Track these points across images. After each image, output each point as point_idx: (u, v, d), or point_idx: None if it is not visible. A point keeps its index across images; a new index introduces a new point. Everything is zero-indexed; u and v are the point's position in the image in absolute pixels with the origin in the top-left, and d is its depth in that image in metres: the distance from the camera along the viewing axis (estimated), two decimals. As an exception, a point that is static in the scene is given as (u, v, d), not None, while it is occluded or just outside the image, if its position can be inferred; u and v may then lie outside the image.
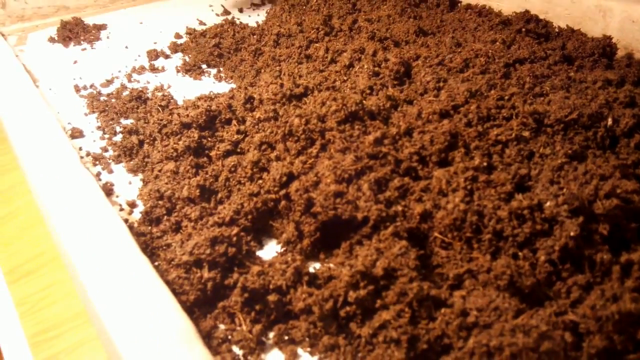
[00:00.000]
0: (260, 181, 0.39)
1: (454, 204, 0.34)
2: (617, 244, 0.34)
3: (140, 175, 0.45)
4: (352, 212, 0.35)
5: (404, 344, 0.29)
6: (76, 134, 0.51)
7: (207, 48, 0.64)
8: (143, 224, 0.39)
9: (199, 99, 0.49)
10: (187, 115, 0.46)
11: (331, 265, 0.35)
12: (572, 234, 0.32)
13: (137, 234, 0.38)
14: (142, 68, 0.63)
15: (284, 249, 0.37)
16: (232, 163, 0.41)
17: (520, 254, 0.33)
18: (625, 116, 0.42)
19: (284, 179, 0.38)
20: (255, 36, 0.62)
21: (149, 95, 0.56)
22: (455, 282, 0.33)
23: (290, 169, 0.38)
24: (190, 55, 0.64)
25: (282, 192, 0.38)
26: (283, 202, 0.38)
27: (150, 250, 0.37)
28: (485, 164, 0.36)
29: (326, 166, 0.37)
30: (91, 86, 0.60)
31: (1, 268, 0.47)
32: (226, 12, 0.79)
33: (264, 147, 0.42)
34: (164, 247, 0.37)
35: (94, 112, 0.55)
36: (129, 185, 0.45)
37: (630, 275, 0.32)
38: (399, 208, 0.35)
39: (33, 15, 0.78)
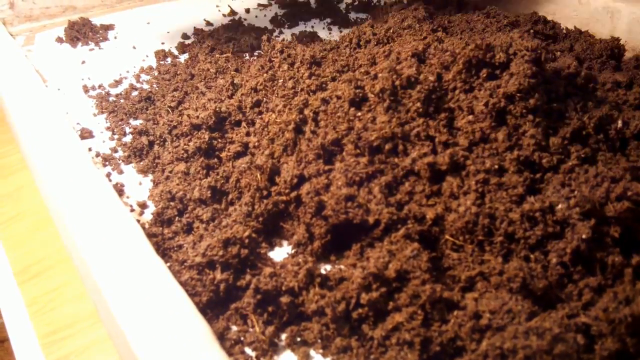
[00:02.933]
0: (270, 184, 0.39)
1: (465, 207, 0.34)
2: (629, 247, 0.34)
3: (151, 176, 0.45)
4: (363, 216, 0.35)
5: (417, 346, 0.29)
6: (86, 134, 0.51)
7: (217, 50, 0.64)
8: (154, 225, 0.39)
9: (209, 100, 0.49)
10: (197, 117, 0.46)
11: (342, 266, 0.35)
12: (583, 236, 0.32)
13: (148, 235, 0.38)
14: (150, 68, 0.63)
15: (295, 250, 0.37)
16: (243, 164, 0.41)
17: (532, 256, 0.33)
18: (635, 118, 0.42)
19: (295, 180, 0.38)
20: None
21: (158, 96, 0.56)
22: (467, 284, 0.33)
23: (301, 170, 0.38)
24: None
25: (293, 194, 0.38)
26: (294, 204, 0.38)
27: (162, 251, 0.37)
28: (496, 166, 0.36)
29: (337, 169, 0.37)
30: (100, 86, 0.60)
31: (11, 269, 0.47)
32: (233, 12, 0.79)
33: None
34: (176, 249, 0.37)
35: (102, 112, 0.55)
36: (139, 186, 0.45)
37: (642, 277, 0.32)
38: (410, 211, 0.35)
39: (41, 15, 0.78)
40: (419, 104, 0.39)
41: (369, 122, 0.39)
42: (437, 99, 0.40)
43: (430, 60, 0.43)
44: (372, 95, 0.40)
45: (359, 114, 0.40)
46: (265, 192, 0.38)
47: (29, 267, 0.48)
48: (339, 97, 0.42)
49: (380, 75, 0.41)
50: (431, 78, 0.40)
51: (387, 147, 0.38)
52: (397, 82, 0.40)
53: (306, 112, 0.42)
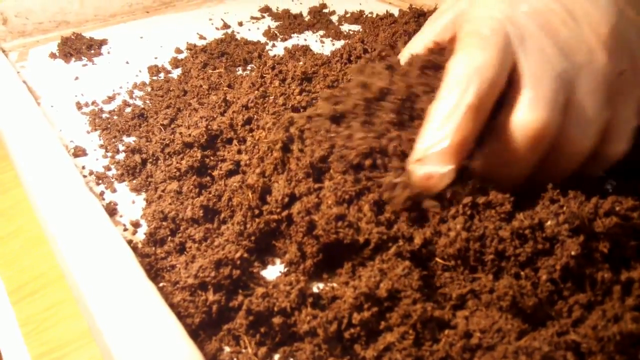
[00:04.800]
0: (262, 202, 0.39)
1: (455, 232, 0.34)
2: (618, 262, 0.34)
3: (144, 195, 0.46)
4: (353, 236, 0.35)
5: (409, 366, 0.30)
6: (79, 152, 0.52)
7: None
8: (147, 245, 0.39)
9: (201, 117, 0.49)
10: (189, 135, 0.46)
11: (334, 285, 0.36)
12: (573, 253, 0.33)
13: (141, 255, 0.38)
14: (144, 84, 0.63)
15: (287, 269, 0.37)
16: (234, 183, 0.41)
17: (522, 273, 0.33)
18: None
19: (286, 200, 0.38)
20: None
21: (151, 112, 0.56)
22: (458, 302, 0.33)
23: (292, 189, 0.38)
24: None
25: (285, 213, 0.38)
26: (285, 224, 0.38)
27: (154, 271, 0.37)
28: (478, 185, 0.36)
29: (327, 187, 0.37)
30: (93, 103, 0.60)
31: (5, 288, 0.47)
32: (226, 25, 0.80)
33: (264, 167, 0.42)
34: (169, 269, 0.37)
35: (96, 129, 0.55)
36: (132, 204, 0.45)
37: (631, 293, 0.33)
38: (399, 230, 0.35)
39: (34, 30, 0.78)
40: (392, 115, 0.39)
41: (347, 138, 0.40)
42: (410, 107, 0.40)
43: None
44: (348, 112, 0.41)
45: (339, 129, 0.41)
46: (257, 211, 0.38)
47: (24, 285, 0.48)
48: (319, 115, 0.42)
49: (352, 91, 0.41)
50: (401, 84, 0.40)
51: (367, 163, 0.38)
52: (370, 96, 0.40)
53: (292, 130, 0.42)
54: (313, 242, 0.36)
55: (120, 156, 0.50)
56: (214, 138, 0.47)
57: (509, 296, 0.31)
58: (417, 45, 0.43)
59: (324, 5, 0.85)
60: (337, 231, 0.35)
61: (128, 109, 0.57)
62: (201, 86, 0.57)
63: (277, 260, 0.39)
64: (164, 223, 0.40)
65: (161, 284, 0.36)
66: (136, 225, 0.43)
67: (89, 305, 0.32)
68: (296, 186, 0.39)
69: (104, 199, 0.46)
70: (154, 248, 0.39)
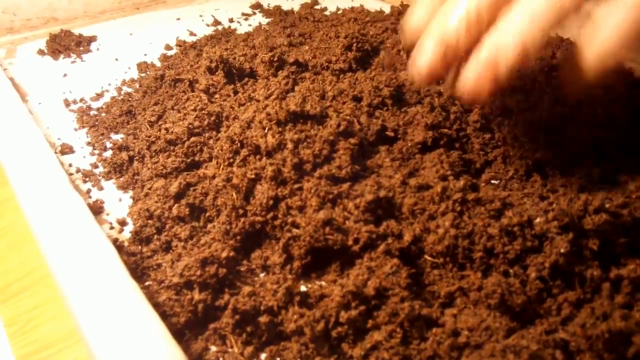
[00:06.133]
0: (246, 202, 0.39)
1: (444, 229, 0.33)
2: (607, 260, 0.34)
3: (131, 192, 0.45)
4: (343, 241, 0.35)
5: (396, 365, 0.29)
6: (66, 149, 0.51)
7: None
8: (133, 244, 0.39)
9: (185, 114, 0.49)
10: (172, 132, 0.46)
11: (322, 283, 0.35)
12: (562, 250, 0.32)
13: (127, 254, 0.38)
14: (132, 81, 0.62)
15: (275, 268, 0.37)
16: (219, 182, 0.40)
17: (511, 271, 0.33)
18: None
19: (271, 202, 0.37)
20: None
21: (139, 109, 0.55)
22: (446, 300, 0.33)
23: (275, 191, 0.38)
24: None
25: (269, 215, 0.37)
26: (270, 225, 0.37)
27: (140, 270, 0.37)
28: (470, 183, 0.36)
29: (307, 189, 0.37)
30: (81, 100, 0.59)
31: (-9, 287, 0.46)
32: (216, 22, 0.79)
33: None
34: (155, 267, 0.37)
35: (83, 127, 0.54)
36: (119, 202, 0.45)
37: (620, 291, 0.32)
38: (389, 227, 0.35)
39: (22, 27, 0.78)
40: None
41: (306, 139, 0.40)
42: None
43: None
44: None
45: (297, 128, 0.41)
46: (241, 211, 0.38)
47: (9, 285, 0.47)
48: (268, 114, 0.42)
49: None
50: None
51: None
52: None
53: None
54: (300, 244, 0.35)
55: (108, 154, 0.50)
56: (196, 136, 0.46)
57: (498, 294, 0.31)
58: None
59: (315, 2, 0.84)
60: (326, 238, 0.35)
61: (116, 106, 0.57)
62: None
63: (265, 260, 0.38)
64: (150, 221, 0.39)
65: (147, 283, 0.36)
66: (122, 223, 0.42)
67: (72, 305, 0.32)
68: (279, 188, 0.38)
69: (90, 197, 0.45)
70: (140, 247, 0.38)
